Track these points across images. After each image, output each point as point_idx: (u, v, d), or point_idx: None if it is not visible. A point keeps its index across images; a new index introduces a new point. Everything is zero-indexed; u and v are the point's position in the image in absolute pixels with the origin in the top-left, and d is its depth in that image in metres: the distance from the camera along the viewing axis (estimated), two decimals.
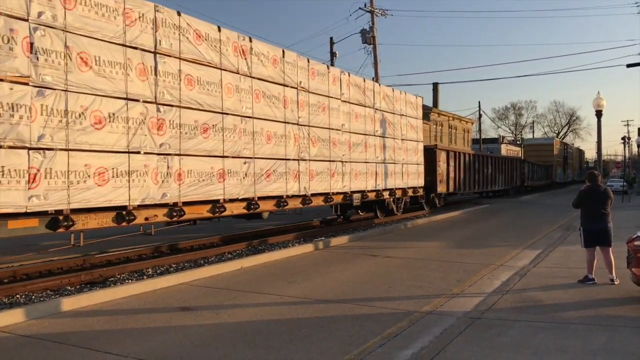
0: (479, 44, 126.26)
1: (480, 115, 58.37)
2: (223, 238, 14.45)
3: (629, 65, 25.45)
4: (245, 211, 12.47)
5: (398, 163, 20.31)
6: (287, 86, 13.98)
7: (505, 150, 66.43)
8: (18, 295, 8.33)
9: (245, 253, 12.48)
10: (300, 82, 14.56)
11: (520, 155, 59.62)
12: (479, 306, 7.61)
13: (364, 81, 18.51)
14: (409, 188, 21.26)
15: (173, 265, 10.89)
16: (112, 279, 9.62)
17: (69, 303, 7.51)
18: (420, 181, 22.27)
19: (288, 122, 13.94)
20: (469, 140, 65.70)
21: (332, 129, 15.96)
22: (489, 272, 10.08)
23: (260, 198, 12.79)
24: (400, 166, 20.48)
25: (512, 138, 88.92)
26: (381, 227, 17.70)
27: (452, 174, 26.36)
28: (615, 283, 8.81)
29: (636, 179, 49.22)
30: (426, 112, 54.85)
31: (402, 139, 20.78)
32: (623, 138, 48.02)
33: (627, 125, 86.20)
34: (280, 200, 13.56)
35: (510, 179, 38.59)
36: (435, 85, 60.37)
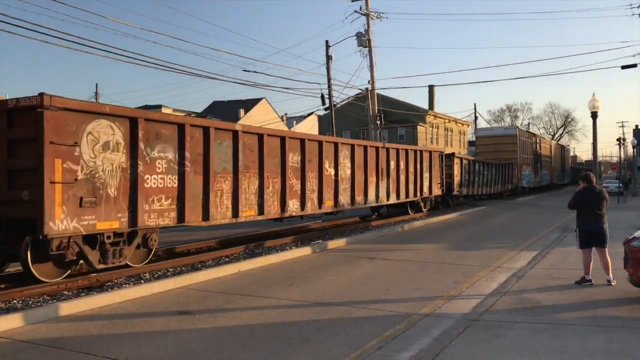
0: (475, 46, 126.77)
1: (476, 118, 58.58)
2: (220, 242, 14.42)
3: (623, 67, 25.60)
4: None
5: None
6: None
7: None
8: (15, 301, 8.28)
9: (243, 257, 12.45)
10: None
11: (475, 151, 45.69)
12: (477, 308, 7.62)
13: None
14: None
15: (170, 270, 10.85)
16: (109, 283, 9.58)
17: (66, 308, 7.49)
18: None
19: None
20: (465, 142, 65.96)
21: None
22: (487, 274, 10.10)
23: None
24: None
25: None
26: (378, 230, 17.69)
27: (153, 183, 10.17)
28: (613, 284, 8.83)
29: (632, 180, 49.45)
30: (422, 115, 55.20)
31: None
32: (618, 139, 48.17)
33: (623, 126, 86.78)
34: None
35: (416, 187, 21.79)
36: (430, 88, 60.62)
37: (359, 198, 17.63)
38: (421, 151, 23.06)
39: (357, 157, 17.55)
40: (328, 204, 15.83)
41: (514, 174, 39.20)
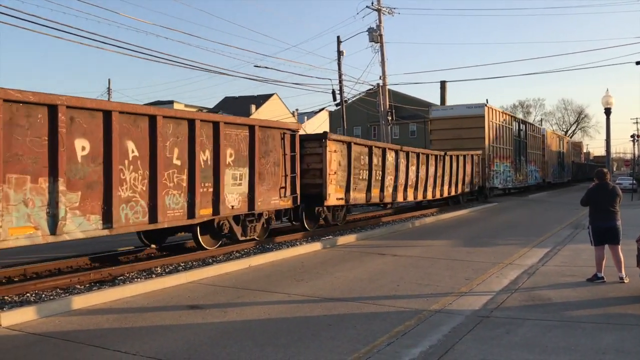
0: (487, 42, 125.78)
1: None
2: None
3: (638, 63, 25.30)
4: None
5: None
6: None
7: None
8: (29, 294, 8.39)
9: (253, 252, 12.50)
10: None
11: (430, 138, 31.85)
12: (488, 305, 7.59)
13: None
14: None
15: (181, 264, 10.93)
16: (121, 277, 9.67)
17: (78, 301, 7.57)
18: None
19: None
20: None
21: None
22: (498, 271, 10.05)
23: None
24: None
25: None
26: (388, 226, 17.66)
27: None
28: (625, 281, 8.76)
29: None
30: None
31: None
32: (632, 136, 47.66)
33: (637, 122, 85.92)
34: None
35: (195, 196, 10.81)
36: (442, 84, 60.20)
37: None
38: (215, 123, 11.45)
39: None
40: None
41: (475, 169, 27.06)
